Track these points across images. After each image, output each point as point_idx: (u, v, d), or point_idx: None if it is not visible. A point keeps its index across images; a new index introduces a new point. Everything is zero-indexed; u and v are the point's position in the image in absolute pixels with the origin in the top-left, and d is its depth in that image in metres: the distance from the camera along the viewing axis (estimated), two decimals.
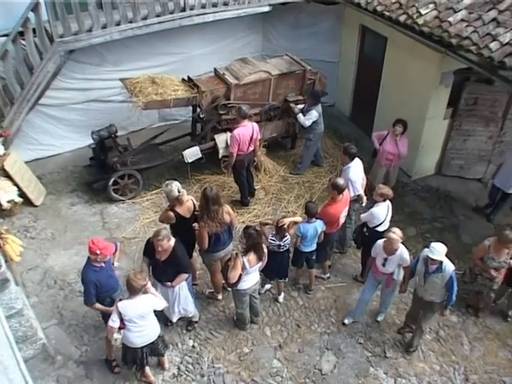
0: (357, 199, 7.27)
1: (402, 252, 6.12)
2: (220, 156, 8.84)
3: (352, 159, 7.12)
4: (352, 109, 10.85)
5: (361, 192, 7.21)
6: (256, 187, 8.92)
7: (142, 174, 8.59)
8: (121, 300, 5.30)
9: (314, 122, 8.72)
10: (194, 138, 9.09)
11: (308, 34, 10.51)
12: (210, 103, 8.51)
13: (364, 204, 7.40)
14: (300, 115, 8.74)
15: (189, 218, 6.29)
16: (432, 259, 5.71)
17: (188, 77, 8.73)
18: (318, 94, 8.81)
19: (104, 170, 8.44)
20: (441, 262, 5.77)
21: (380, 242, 6.19)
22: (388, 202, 6.75)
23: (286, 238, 6.52)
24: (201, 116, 8.71)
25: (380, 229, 6.73)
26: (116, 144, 8.44)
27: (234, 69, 8.73)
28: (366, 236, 6.87)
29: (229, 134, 8.56)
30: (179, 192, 6.12)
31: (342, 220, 6.92)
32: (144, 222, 8.28)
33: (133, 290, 5.18)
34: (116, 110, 9.25)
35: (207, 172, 9.27)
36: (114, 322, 5.19)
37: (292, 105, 8.90)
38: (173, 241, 5.78)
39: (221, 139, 8.72)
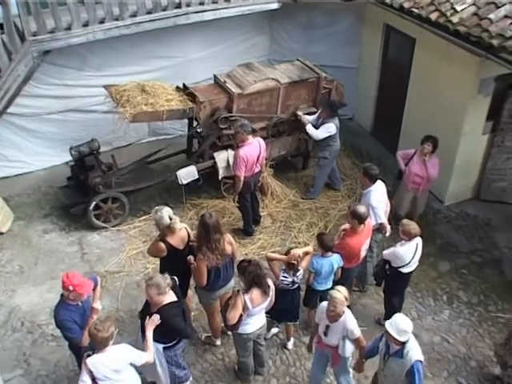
0: (379, 228, 7.29)
1: (347, 320, 5.67)
2: (220, 177, 8.91)
3: (373, 182, 7.17)
4: (374, 122, 10.93)
5: (384, 220, 7.22)
6: (262, 214, 8.99)
7: (129, 198, 8.67)
8: (89, 356, 5.17)
9: (329, 138, 8.81)
10: (190, 156, 9.19)
11: (323, 36, 10.66)
12: (209, 116, 8.61)
13: (388, 234, 7.45)
14: (310, 126, 8.80)
15: (182, 250, 6.32)
16: (391, 336, 5.14)
17: (183, 85, 8.82)
18: (335, 104, 8.94)
19: (84, 191, 8.51)
20: (403, 344, 5.18)
21: (324, 303, 5.84)
22: (417, 240, 6.70)
23: (299, 272, 6.52)
24: (198, 131, 8.79)
25: (405, 270, 6.74)
26: (98, 162, 8.54)
27: (236, 76, 8.84)
28: (388, 275, 6.87)
29: (230, 151, 8.72)
30: (171, 219, 6.15)
31: (362, 253, 6.95)
32: (130, 253, 8.34)
33: (97, 343, 5.10)
34: (99, 121, 9.39)
35: (205, 196, 9.31)
36: (85, 382, 5.07)
37: (299, 113, 8.99)
38: (167, 299, 5.58)
39: (221, 158, 8.81)
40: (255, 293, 5.86)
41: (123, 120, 8.10)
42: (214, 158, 8.84)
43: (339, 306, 5.54)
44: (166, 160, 9.42)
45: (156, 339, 5.61)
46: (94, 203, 8.42)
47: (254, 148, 7.98)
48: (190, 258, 6.34)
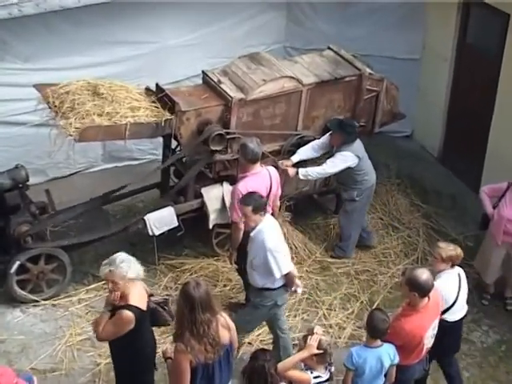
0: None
1: None
2: (211, 225, 8.93)
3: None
4: (444, 142, 10.99)
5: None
6: None
7: (72, 255, 8.64)
8: None
9: (353, 172, 8.96)
10: (166, 193, 9.20)
11: (366, 14, 10.83)
12: (196, 133, 8.64)
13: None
14: (304, 171, 8.86)
15: (146, 311, 6.45)
16: None
17: (157, 85, 8.83)
18: (350, 124, 9.00)
19: (2, 245, 8.48)
20: None
21: None
22: (459, 270, 7.04)
23: (332, 365, 6.60)
24: (179, 155, 8.81)
25: (450, 317, 7.01)
26: (26, 200, 8.53)
27: (237, 73, 8.89)
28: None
29: (226, 186, 8.73)
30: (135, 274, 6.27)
31: (427, 343, 6.84)
32: (72, 340, 8.24)
33: None
34: (28, 139, 9.49)
35: (188, 253, 9.33)
36: None
37: (282, 165, 8.93)
38: None
39: (212, 196, 8.81)
40: None
41: (65, 137, 8.10)
42: (202, 196, 8.85)
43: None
44: (129, 198, 9.47)
45: None
46: (17, 263, 8.32)
47: (262, 181, 8.01)
48: (167, 349, 6.35)
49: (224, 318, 6.21)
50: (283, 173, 8.83)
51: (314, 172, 8.90)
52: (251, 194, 7.34)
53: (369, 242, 9.79)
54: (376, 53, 10.28)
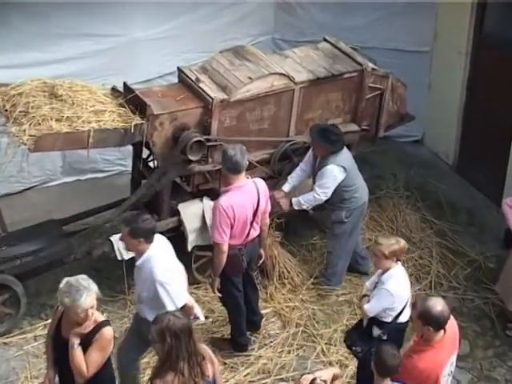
0: None
1: None
2: (189, 247, 8.92)
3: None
4: (460, 148, 11.05)
5: None
6: (264, 311, 8.96)
7: (26, 285, 8.59)
8: None
9: (340, 188, 8.86)
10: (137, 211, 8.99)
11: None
12: (171, 140, 8.59)
13: None
14: (299, 200, 8.92)
15: None
16: None
17: (125, 85, 8.81)
18: (331, 131, 8.91)
19: None
20: None
21: None
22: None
23: None
24: (151, 165, 8.77)
25: (403, 318, 7.28)
26: None
27: (218, 70, 8.87)
28: (381, 342, 7.02)
29: (207, 202, 8.74)
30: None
31: (444, 381, 6.72)
32: None
33: None
34: None
35: None
36: None
37: (278, 196, 8.98)
38: None
39: (191, 213, 8.84)
40: None
41: (18, 147, 8.07)
42: (178, 213, 8.83)
43: None
44: (92, 217, 9.38)
45: None
46: None
47: (248, 196, 7.91)
48: None
49: (207, 351, 6.29)
50: (276, 205, 8.93)
51: (307, 200, 8.92)
52: (138, 215, 7.25)
53: (364, 268, 9.76)
54: (380, 45, 10.33)
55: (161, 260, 7.16)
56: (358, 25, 10.51)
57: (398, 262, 7.34)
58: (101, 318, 6.42)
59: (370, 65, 9.16)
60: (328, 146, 8.69)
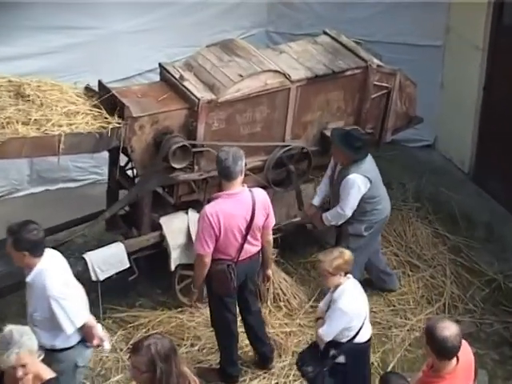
0: None
1: None
2: (173, 266, 8.88)
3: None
4: (477, 154, 11.03)
5: None
6: None
7: None
8: None
9: (365, 201, 8.84)
10: (114, 225, 9.21)
11: None
12: (152, 145, 8.56)
13: None
14: (326, 218, 9.00)
15: None
16: None
17: (100, 84, 8.74)
18: (361, 138, 8.85)
19: None
20: None
21: None
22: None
23: None
24: (129, 174, 8.75)
25: (363, 338, 7.36)
26: None
27: (204, 66, 8.84)
28: (342, 366, 7.32)
29: (193, 215, 8.70)
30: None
31: None
32: None
33: None
34: None
35: (143, 303, 9.31)
36: None
37: (310, 212, 9.22)
38: None
39: (175, 227, 8.82)
40: None
41: None
42: (160, 227, 8.78)
43: None
44: (64, 232, 9.24)
45: None
46: None
47: (240, 206, 7.84)
48: None
49: (193, 378, 6.14)
50: (309, 221, 9.38)
51: (334, 217, 8.97)
52: (23, 224, 7.04)
53: (391, 285, 9.75)
54: (385, 39, 10.39)
55: (54, 273, 7.05)
56: (362, 16, 10.58)
57: (349, 276, 7.37)
58: (48, 375, 6.28)
59: (376, 61, 9.10)
60: (351, 154, 8.64)
